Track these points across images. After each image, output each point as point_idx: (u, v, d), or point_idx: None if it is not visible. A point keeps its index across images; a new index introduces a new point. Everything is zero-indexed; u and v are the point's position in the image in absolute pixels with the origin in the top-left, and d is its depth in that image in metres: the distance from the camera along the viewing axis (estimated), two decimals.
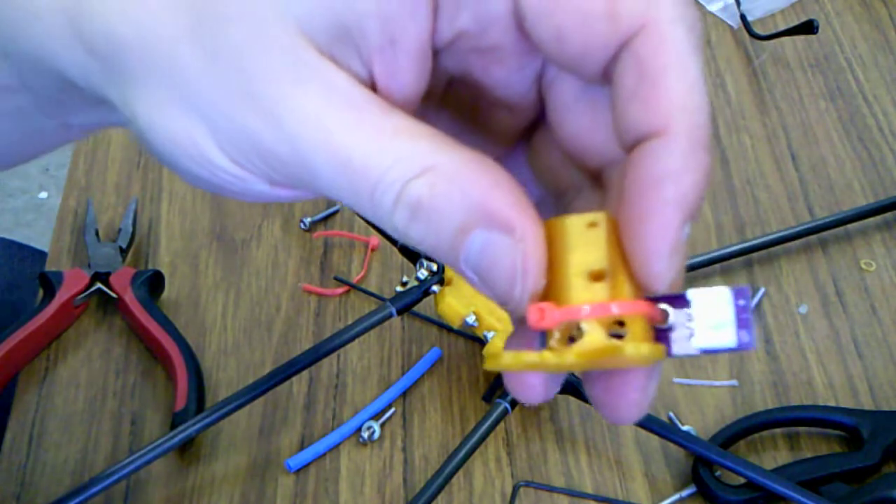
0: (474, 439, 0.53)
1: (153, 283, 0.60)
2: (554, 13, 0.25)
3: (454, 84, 0.29)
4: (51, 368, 0.59)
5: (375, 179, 0.25)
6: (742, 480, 0.53)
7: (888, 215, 0.66)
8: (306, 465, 0.55)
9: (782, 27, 0.76)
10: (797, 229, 0.64)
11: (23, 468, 0.55)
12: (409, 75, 0.26)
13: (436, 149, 0.25)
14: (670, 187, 0.24)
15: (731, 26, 0.78)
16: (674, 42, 0.25)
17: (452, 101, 0.30)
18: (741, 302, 0.25)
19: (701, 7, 0.79)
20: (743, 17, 0.77)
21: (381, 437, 0.56)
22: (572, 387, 0.54)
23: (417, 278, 0.56)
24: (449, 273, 0.56)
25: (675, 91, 0.25)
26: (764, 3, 0.79)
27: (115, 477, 0.50)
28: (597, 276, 0.25)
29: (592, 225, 0.25)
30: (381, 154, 0.25)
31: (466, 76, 0.29)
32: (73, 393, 0.58)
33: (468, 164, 0.25)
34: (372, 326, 0.55)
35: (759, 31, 0.76)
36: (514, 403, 0.54)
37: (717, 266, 0.63)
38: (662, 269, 0.24)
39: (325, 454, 0.55)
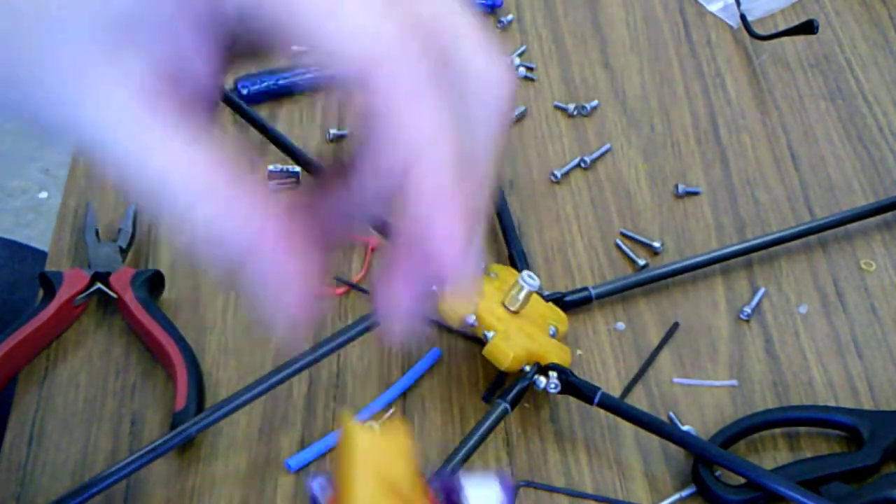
0: (474, 439, 0.53)
1: (153, 283, 0.60)
2: None
3: None
4: (51, 368, 0.59)
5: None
6: (742, 480, 0.53)
7: (888, 215, 0.66)
8: (306, 465, 0.55)
9: (782, 27, 0.76)
10: (797, 229, 0.64)
11: (23, 468, 0.55)
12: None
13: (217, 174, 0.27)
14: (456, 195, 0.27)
15: (731, 26, 0.78)
16: (405, 78, 0.27)
17: None
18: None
19: (701, 7, 0.79)
20: (743, 17, 0.77)
21: None
22: (572, 386, 0.54)
23: None
24: None
25: (417, 126, 0.26)
26: (764, 3, 0.79)
27: (115, 477, 0.50)
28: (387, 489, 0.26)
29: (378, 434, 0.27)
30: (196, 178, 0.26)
31: None
32: (73, 393, 0.58)
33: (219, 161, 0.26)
34: (375, 325, 0.55)
35: (759, 31, 0.76)
36: (514, 403, 0.54)
37: (716, 266, 0.63)
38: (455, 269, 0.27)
39: (325, 454, 0.55)
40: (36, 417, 0.57)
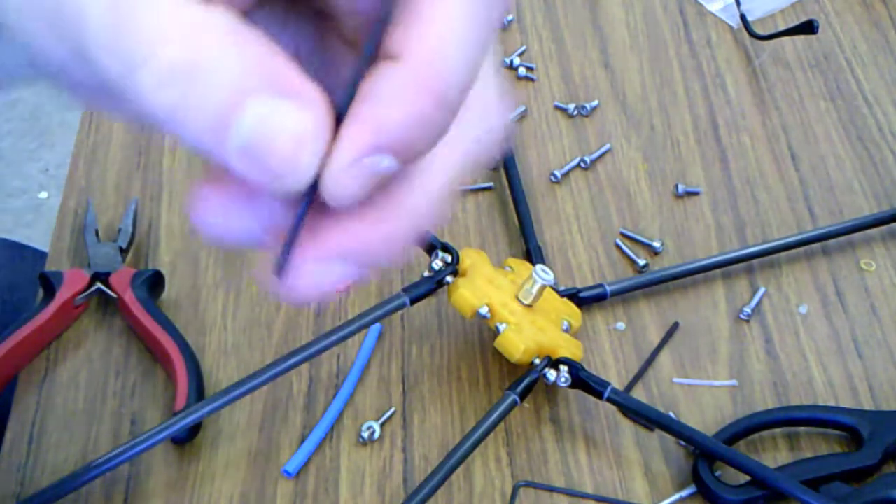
0: (482, 430, 0.53)
1: (153, 283, 0.60)
2: None
3: None
4: (51, 368, 0.59)
5: (135, 42, 0.21)
6: (742, 480, 0.53)
7: (894, 225, 0.66)
8: (306, 466, 0.55)
9: (782, 27, 0.76)
10: (799, 237, 0.64)
11: (23, 468, 0.55)
12: None
13: (209, 13, 0.22)
14: (368, 106, 0.23)
15: (731, 26, 0.78)
16: None
17: None
18: None
19: (701, 7, 0.79)
20: (743, 17, 0.77)
21: (381, 437, 0.56)
22: (582, 381, 0.54)
23: (431, 268, 0.56)
24: (463, 265, 0.56)
25: (429, 25, 0.23)
26: (764, 3, 0.79)
27: (116, 462, 0.51)
28: None
29: None
30: (152, 17, 0.21)
31: None
32: (73, 393, 0.58)
33: (241, 28, 0.22)
34: (384, 315, 0.55)
35: (759, 31, 0.76)
36: (523, 395, 0.54)
37: (717, 270, 0.63)
38: (332, 178, 0.23)
39: (325, 454, 0.55)
40: (36, 417, 0.57)
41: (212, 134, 0.22)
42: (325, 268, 0.25)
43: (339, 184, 0.23)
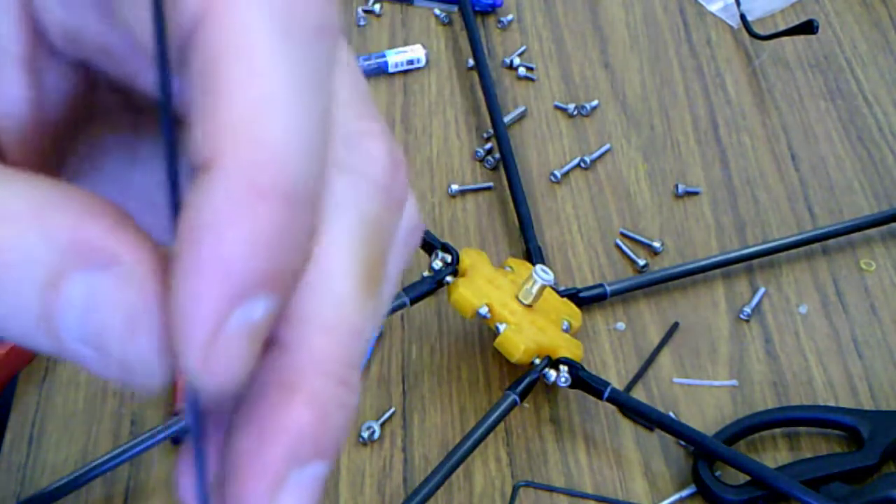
0: (482, 430, 0.53)
1: None
2: None
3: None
4: (51, 368, 0.59)
5: None
6: (742, 480, 0.53)
7: (894, 225, 0.66)
8: None
9: (782, 27, 0.76)
10: (799, 237, 0.64)
11: (23, 468, 0.55)
12: (17, 87, 0.20)
13: (10, 189, 0.18)
14: (205, 246, 0.17)
15: (731, 26, 0.78)
16: (243, 32, 0.17)
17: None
18: None
19: (701, 7, 0.79)
20: (743, 17, 0.77)
21: (381, 437, 0.56)
22: (582, 381, 0.54)
23: (432, 268, 0.56)
24: (463, 265, 0.56)
25: (231, 103, 0.17)
26: (764, 3, 0.79)
27: (116, 462, 0.51)
28: None
29: None
30: None
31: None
32: (73, 393, 0.58)
33: (46, 197, 0.18)
34: (384, 315, 0.55)
35: (759, 31, 0.76)
36: (523, 395, 0.54)
37: (717, 270, 0.63)
38: (195, 362, 0.17)
39: None
40: (36, 417, 0.57)
41: (41, 331, 0.18)
42: (293, 489, 0.19)
43: (209, 366, 0.17)
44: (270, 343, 0.19)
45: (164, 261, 0.18)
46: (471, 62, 0.73)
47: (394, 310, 0.55)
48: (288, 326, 0.19)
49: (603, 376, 0.57)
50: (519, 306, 0.55)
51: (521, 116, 0.71)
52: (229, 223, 0.16)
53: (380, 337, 0.60)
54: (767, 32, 0.76)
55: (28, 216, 0.17)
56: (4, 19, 0.19)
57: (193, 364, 0.17)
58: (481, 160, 0.68)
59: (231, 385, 0.18)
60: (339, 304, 0.19)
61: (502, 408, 0.54)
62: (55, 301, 0.17)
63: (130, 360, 0.18)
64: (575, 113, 0.72)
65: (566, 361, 0.54)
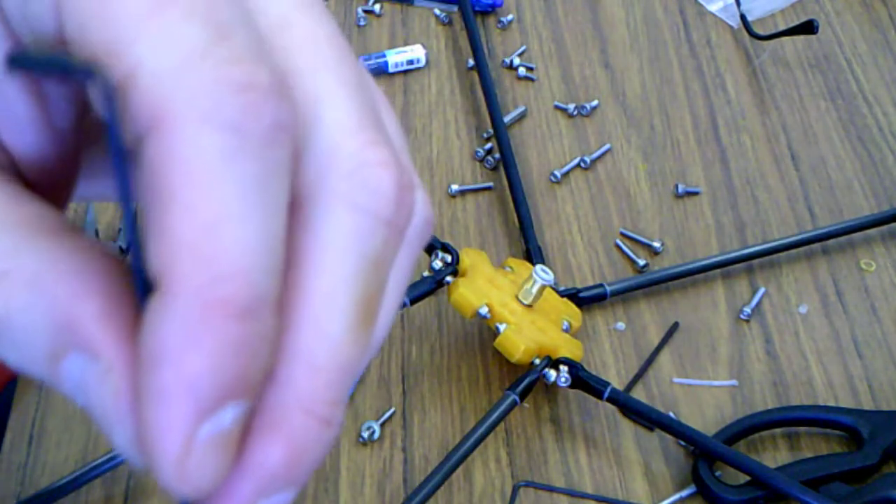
0: (482, 430, 0.53)
1: (151, 284, 0.60)
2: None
3: None
4: None
5: None
6: (742, 480, 0.53)
7: (894, 225, 0.66)
8: None
9: (782, 27, 0.76)
10: (799, 237, 0.64)
11: (23, 468, 0.55)
12: (23, 106, 0.20)
13: (18, 246, 0.19)
14: (167, 371, 0.17)
15: (731, 26, 0.78)
16: (191, 149, 0.17)
17: None
18: None
19: (701, 7, 0.79)
20: (743, 17, 0.77)
21: (381, 437, 0.56)
22: (582, 381, 0.54)
23: (432, 268, 0.56)
24: (463, 265, 0.56)
25: (180, 224, 0.17)
26: (764, 3, 0.79)
27: (116, 461, 0.51)
28: None
29: None
30: None
31: None
32: None
33: (56, 264, 0.19)
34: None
35: (759, 31, 0.76)
36: (522, 395, 0.54)
37: (717, 270, 0.63)
38: (171, 477, 0.18)
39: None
40: (36, 417, 0.57)
41: (47, 377, 0.19)
42: None
43: (185, 476, 0.18)
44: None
45: (132, 347, 0.18)
46: (471, 62, 0.73)
47: None
48: (275, 360, 0.19)
49: (603, 376, 0.57)
50: (519, 306, 0.55)
51: (521, 116, 0.71)
52: (187, 345, 0.17)
53: None
54: (767, 32, 0.76)
55: (37, 284, 0.18)
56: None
57: (169, 477, 0.18)
58: (481, 160, 0.68)
59: (209, 487, 0.18)
60: (330, 344, 0.19)
61: (502, 408, 0.54)
62: (56, 370, 0.19)
63: (114, 441, 0.18)
64: (575, 113, 0.72)
65: (566, 361, 0.55)
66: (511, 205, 0.65)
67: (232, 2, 0.18)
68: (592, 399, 0.56)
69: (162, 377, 0.17)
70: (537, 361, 0.54)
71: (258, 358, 0.18)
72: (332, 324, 0.19)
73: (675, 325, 0.61)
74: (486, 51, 0.74)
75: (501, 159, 0.67)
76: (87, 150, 0.22)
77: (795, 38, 0.76)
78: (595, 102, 0.72)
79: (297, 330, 0.19)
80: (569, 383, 0.54)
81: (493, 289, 0.55)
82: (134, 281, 0.18)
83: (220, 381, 0.17)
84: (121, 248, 0.62)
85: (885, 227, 0.65)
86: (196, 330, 0.17)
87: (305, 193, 0.19)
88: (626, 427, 0.56)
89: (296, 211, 0.19)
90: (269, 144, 0.18)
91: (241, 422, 0.18)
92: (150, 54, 0.17)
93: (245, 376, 0.18)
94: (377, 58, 0.73)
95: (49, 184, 0.21)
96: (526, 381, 0.54)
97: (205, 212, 0.17)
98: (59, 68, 0.17)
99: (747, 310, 0.61)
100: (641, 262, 0.63)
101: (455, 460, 0.52)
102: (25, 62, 0.17)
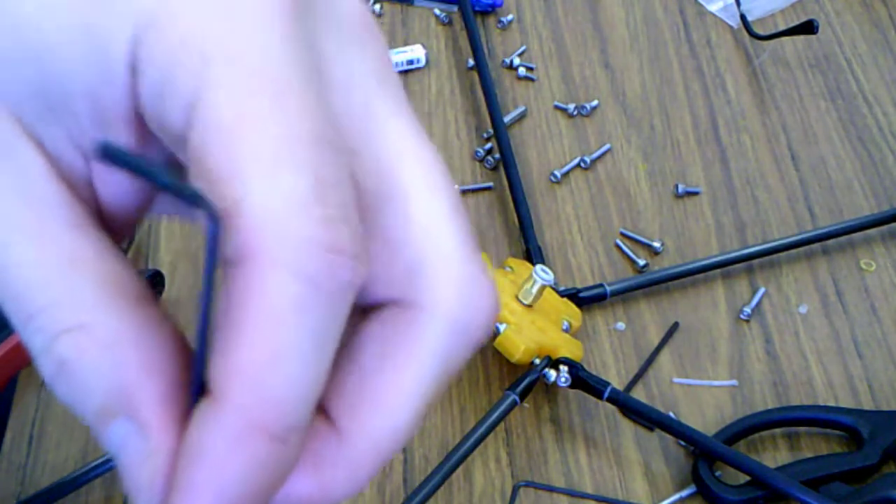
0: (482, 430, 0.53)
1: (153, 283, 0.60)
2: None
3: None
4: None
5: (28, 314, 0.21)
6: (742, 480, 0.53)
7: (894, 225, 0.66)
8: None
9: (782, 27, 0.76)
10: (799, 237, 0.64)
11: (23, 468, 0.55)
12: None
13: (99, 301, 0.21)
14: (204, 470, 0.20)
15: (731, 26, 0.78)
16: (270, 291, 0.19)
17: None
18: None
19: (701, 7, 0.79)
20: (743, 17, 0.77)
21: None
22: (582, 381, 0.54)
23: None
24: None
25: (242, 353, 0.19)
26: (764, 3, 0.79)
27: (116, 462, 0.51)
28: None
29: None
30: (40, 288, 0.21)
31: None
32: None
33: (128, 331, 0.21)
34: None
35: (759, 31, 0.76)
36: (522, 395, 0.54)
37: (717, 270, 0.63)
38: None
39: None
40: (36, 417, 0.57)
41: (92, 423, 0.21)
42: None
43: None
44: (323, 410, 0.22)
45: (177, 438, 0.20)
46: (471, 62, 0.73)
47: None
48: (348, 420, 0.22)
49: (603, 376, 0.57)
50: (519, 306, 0.55)
51: (521, 116, 0.71)
52: (226, 453, 0.19)
53: None
54: (767, 32, 0.76)
55: (109, 345, 0.20)
56: (127, 98, 0.21)
57: None
58: (481, 160, 0.68)
59: None
60: (396, 434, 0.22)
61: (502, 408, 0.54)
62: (103, 426, 0.20)
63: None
64: (575, 113, 0.72)
65: (566, 361, 0.55)
66: (511, 205, 0.65)
67: (338, 158, 0.20)
68: (592, 399, 0.56)
69: (198, 473, 0.19)
70: (537, 361, 0.54)
71: (278, 476, 0.20)
72: (402, 419, 0.22)
73: (675, 325, 0.61)
74: (486, 51, 0.74)
75: (501, 159, 0.67)
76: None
77: (795, 38, 0.76)
78: (595, 102, 0.72)
79: (373, 414, 0.22)
80: (569, 383, 0.54)
81: None
82: (192, 380, 0.20)
83: (244, 488, 0.20)
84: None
85: (885, 227, 0.65)
86: (236, 442, 0.19)
87: (411, 297, 0.22)
88: (626, 427, 0.56)
89: (399, 308, 0.22)
90: (338, 300, 0.20)
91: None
92: (259, 193, 0.19)
93: (265, 487, 0.20)
94: None
95: (121, 225, 0.23)
96: (526, 381, 0.54)
97: (267, 350, 0.19)
98: (163, 185, 0.18)
99: (747, 310, 0.61)
100: (641, 262, 0.63)
101: (455, 460, 0.52)
102: (118, 157, 0.18)
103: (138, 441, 0.20)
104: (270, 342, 0.19)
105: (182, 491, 0.20)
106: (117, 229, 0.24)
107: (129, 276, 0.22)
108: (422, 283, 0.22)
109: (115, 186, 0.22)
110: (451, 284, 0.22)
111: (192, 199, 0.18)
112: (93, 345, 0.20)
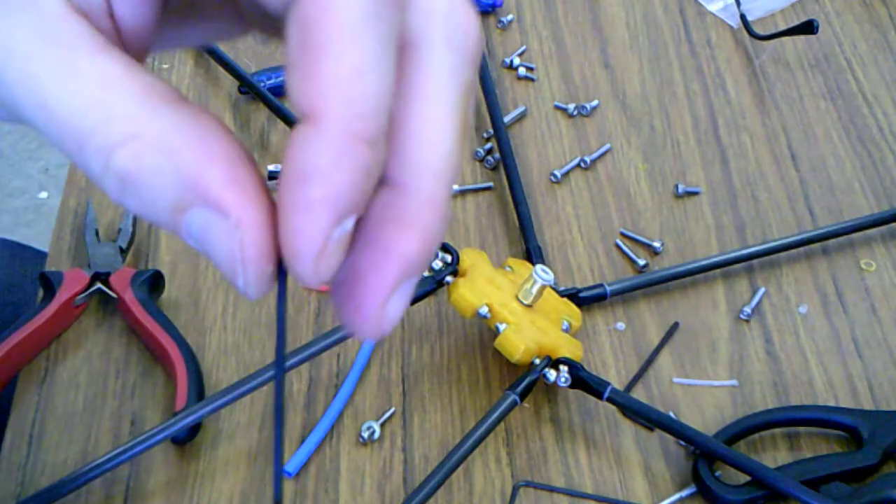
0: (482, 430, 0.53)
1: (153, 283, 0.60)
2: None
3: None
4: (51, 368, 0.59)
5: (80, 141, 0.22)
6: (742, 480, 0.53)
7: (894, 225, 0.66)
8: (306, 465, 0.55)
9: (782, 27, 0.76)
10: (799, 237, 0.64)
11: (23, 468, 0.55)
12: None
13: (146, 110, 0.22)
14: (317, 186, 0.21)
15: (731, 26, 0.78)
16: (344, 9, 0.21)
17: None
18: None
19: (701, 7, 0.79)
20: (743, 17, 0.77)
21: (381, 437, 0.56)
22: (582, 381, 0.54)
23: (432, 268, 0.56)
24: (463, 265, 0.56)
25: (332, 70, 0.21)
26: (764, 3, 0.79)
27: (116, 462, 0.51)
28: None
29: None
30: (86, 112, 0.22)
31: None
32: (73, 393, 0.58)
33: (180, 130, 0.22)
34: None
35: (759, 31, 0.76)
36: (523, 395, 0.54)
37: (717, 270, 0.63)
38: (307, 271, 0.22)
39: (325, 454, 0.55)
40: (36, 417, 0.57)
41: (171, 230, 0.23)
42: (395, 300, 0.24)
43: (309, 278, 0.22)
44: (383, 182, 0.24)
45: (270, 205, 0.22)
46: None
47: None
48: (404, 172, 0.24)
49: (603, 376, 0.57)
50: (519, 306, 0.55)
51: (521, 116, 0.71)
52: (334, 165, 0.21)
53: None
54: (767, 32, 0.76)
55: (165, 146, 0.22)
56: None
57: (305, 271, 0.22)
58: (481, 160, 0.68)
59: (329, 278, 0.23)
60: (447, 156, 0.24)
61: (502, 408, 0.54)
62: (180, 220, 0.22)
63: (230, 277, 0.23)
64: (575, 113, 0.72)
65: (566, 361, 0.55)
66: (511, 205, 0.65)
67: None
68: (592, 399, 0.56)
69: (311, 190, 0.21)
70: (537, 361, 0.54)
71: (373, 178, 0.22)
72: (448, 141, 0.24)
73: (675, 325, 0.61)
74: (486, 51, 0.74)
75: (501, 159, 0.67)
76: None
77: (795, 38, 0.76)
78: (595, 102, 0.72)
79: (420, 148, 0.24)
80: (569, 383, 0.54)
81: (493, 289, 0.55)
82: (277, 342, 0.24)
83: (353, 194, 0.22)
84: (121, 248, 0.62)
85: (885, 227, 0.65)
86: (340, 153, 0.21)
87: (412, 37, 0.24)
88: (626, 427, 0.56)
89: (404, 52, 0.23)
90: (394, 6, 0.22)
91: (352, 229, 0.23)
92: None
93: (365, 192, 0.22)
94: None
95: (137, 43, 0.25)
96: (526, 381, 0.54)
97: (353, 59, 0.21)
98: None
99: (747, 310, 0.61)
100: (641, 262, 0.63)
101: (455, 460, 0.52)
102: None
103: (218, 221, 0.22)
104: (354, 54, 0.21)
105: (300, 211, 0.21)
106: (133, 54, 0.25)
107: (160, 83, 0.23)
108: (419, 19, 0.24)
109: (130, 9, 0.24)
110: (439, 12, 0.24)
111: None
112: (148, 149, 0.21)
